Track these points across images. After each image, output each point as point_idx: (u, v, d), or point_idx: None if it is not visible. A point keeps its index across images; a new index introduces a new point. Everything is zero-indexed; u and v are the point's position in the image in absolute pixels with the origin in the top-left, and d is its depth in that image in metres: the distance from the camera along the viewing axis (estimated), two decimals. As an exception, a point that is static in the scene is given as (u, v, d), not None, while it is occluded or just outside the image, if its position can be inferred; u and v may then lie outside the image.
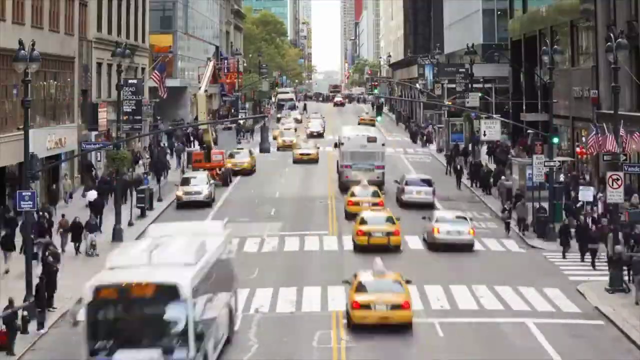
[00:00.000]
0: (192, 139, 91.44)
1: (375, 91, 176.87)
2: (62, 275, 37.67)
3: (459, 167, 70.06)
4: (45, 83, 57.12)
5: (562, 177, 56.23)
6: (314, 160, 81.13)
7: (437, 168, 78.16)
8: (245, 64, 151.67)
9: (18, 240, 42.15)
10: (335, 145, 71.39)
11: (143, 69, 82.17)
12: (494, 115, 76.37)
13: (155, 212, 57.10)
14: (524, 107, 77.75)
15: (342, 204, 58.08)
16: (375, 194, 54.82)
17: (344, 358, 29.90)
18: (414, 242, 47.98)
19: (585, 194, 48.55)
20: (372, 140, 64.49)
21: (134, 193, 56.59)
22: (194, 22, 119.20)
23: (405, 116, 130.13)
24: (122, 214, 50.64)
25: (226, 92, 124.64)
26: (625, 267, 38.33)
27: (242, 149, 79.61)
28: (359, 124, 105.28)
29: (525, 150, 67.40)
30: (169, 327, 24.84)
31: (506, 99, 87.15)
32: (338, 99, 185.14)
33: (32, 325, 32.85)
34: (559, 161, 52.44)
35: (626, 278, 38.32)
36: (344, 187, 61.47)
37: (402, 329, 32.16)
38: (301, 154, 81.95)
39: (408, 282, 33.87)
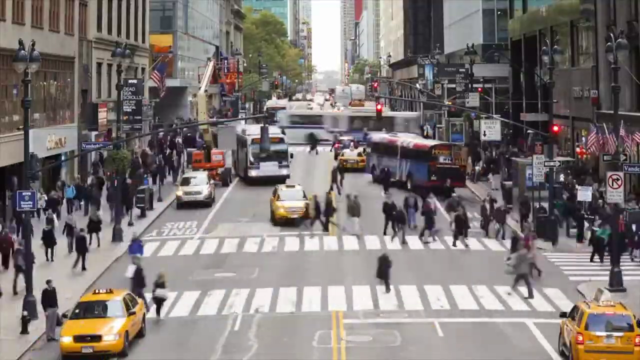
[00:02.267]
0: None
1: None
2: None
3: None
4: (45, 83, 57.11)
5: (561, 177, 56.07)
6: None
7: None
8: (245, 64, 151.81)
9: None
10: None
11: (143, 69, 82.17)
12: (494, 115, 76.33)
13: (155, 212, 57.11)
14: (524, 107, 77.73)
15: (342, 204, 58.76)
16: None
17: (344, 358, 29.90)
18: (414, 243, 48.00)
19: (585, 194, 48.36)
20: None
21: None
22: (194, 22, 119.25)
23: None
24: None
25: (226, 92, 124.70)
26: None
27: None
28: None
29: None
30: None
31: (506, 99, 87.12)
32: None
33: (32, 326, 32.86)
34: (559, 161, 52.39)
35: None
36: None
37: (397, 326, 32.43)
38: None
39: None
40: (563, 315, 30.41)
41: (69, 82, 61.94)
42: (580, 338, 27.90)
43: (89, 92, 66.60)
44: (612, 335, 27.88)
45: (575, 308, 29.68)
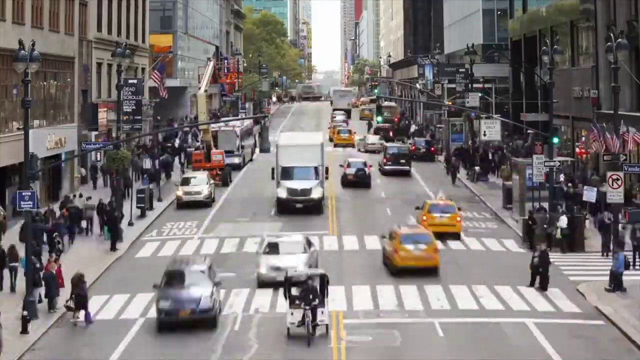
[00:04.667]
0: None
1: (375, 91, 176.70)
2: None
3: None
4: (45, 83, 57.12)
5: (561, 177, 56.08)
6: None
7: (438, 168, 78.29)
8: (245, 64, 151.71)
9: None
10: None
11: (143, 69, 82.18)
12: (494, 115, 76.34)
13: (155, 212, 57.11)
14: (524, 107, 77.75)
15: (342, 204, 59.51)
16: None
17: (344, 358, 29.90)
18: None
19: (589, 194, 48.18)
20: None
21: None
22: (194, 22, 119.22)
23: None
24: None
25: (226, 92, 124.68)
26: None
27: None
28: None
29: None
30: None
31: (506, 99, 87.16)
32: None
33: (32, 325, 32.88)
34: (559, 161, 52.37)
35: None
36: None
37: (397, 326, 32.44)
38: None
39: None
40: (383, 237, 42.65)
41: (69, 82, 61.94)
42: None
43: (89, 92, 66.61)
44: (419, 248, 40.14)
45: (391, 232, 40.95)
